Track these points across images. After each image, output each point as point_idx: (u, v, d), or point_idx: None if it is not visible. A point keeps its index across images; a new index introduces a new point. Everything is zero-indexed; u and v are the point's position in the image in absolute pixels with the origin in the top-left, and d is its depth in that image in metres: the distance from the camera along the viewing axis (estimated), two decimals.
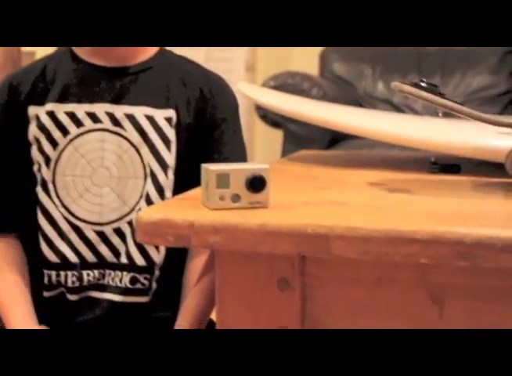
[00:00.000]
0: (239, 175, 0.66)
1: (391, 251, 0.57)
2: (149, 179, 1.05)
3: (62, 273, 1.06)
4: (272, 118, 2.46)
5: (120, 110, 1.06)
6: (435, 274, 0.62)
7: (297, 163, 1.16)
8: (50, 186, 1.06)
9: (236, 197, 0.66)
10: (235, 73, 3.08)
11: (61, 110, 1.06)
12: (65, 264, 1.06)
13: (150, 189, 1.05)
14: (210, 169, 0.66)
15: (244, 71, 3.20)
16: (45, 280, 1.07)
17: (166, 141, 1.06)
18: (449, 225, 0.57)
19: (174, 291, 1.10)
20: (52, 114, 1.06)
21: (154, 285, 1.07)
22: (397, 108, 2.88)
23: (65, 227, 1.06)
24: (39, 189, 1.07)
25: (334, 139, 2.45)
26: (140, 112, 1.06)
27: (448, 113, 1.26)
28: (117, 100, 1.06)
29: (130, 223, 1.04)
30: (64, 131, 1.05)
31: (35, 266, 1.09)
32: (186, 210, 0.67)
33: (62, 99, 1.06)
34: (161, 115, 1.06)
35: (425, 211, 0.65)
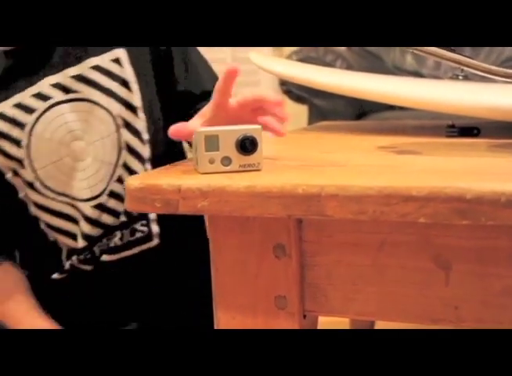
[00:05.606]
0: (228, 137, 0.62)
1: (386, 210, 0.53)
2: (122, 129, 1.00)
3: (74, 258, 1.04)
4: (295, 93, 2.41)
5: (64, 76, 0.99)
6: (440, 237, 0.58)
7: (312, 132, 1.12)
8: (37, 185, 1.00)
9: (226, 160, 0.62)
10: (261, 49, 3.03)
11: (7, 106, 0.98)
12: (74, 250, 1.03)
13: (127, 136, 1.00)
14: (198, 131, 0.62)
15: (272, 49, 3.15)
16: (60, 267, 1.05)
17: (123, 82, 1.00)
18: (449, 181, 0.52)
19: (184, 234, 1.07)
20: (1, 116, 0.98)
21: (156, 228, 1.03)
22: None
23: (67, 210, 1.02)
24: (29, 192, 1.01)
25: (360, 113, 2.39)
26: (85, 67, 0.99)
27: (469, 78, 1.21)
28: (58, 68, 1.00)
29: (119, 180, 1.00)
30: (20, 125, 0.98)
31: (49, 256, 1.05)
32: (176, 176, 0.64)
33: (5, 96, 0.99)
34: (107, 59, 1.00)
35: (427, 169, 0.61)
